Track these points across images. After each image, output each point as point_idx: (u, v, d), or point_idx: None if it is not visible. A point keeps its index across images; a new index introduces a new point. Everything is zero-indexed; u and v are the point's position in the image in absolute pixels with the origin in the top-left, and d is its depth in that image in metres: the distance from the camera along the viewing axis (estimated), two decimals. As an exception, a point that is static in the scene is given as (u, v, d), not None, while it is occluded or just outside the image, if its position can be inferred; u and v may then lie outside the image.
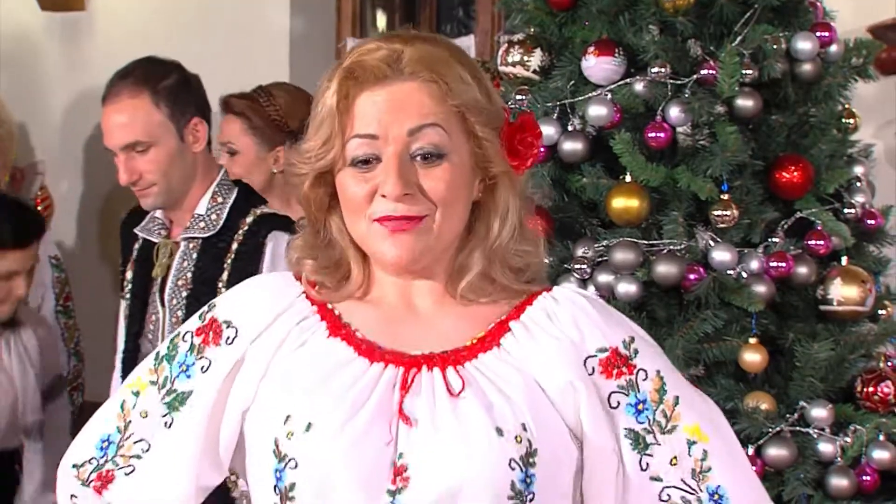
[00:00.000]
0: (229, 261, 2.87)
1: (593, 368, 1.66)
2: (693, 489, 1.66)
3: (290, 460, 1.59)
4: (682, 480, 1.66)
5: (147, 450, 1.70)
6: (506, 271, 1.69)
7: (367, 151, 1.63)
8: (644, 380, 1.67)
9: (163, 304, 2.91)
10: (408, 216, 1.62)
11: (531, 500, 1.60)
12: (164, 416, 1.69)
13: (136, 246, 3.03)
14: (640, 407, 1.66)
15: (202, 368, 1.68)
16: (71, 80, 4.59)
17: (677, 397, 1.68)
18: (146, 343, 2.92)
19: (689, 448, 1.67)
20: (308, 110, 1.72)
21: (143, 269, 2.98)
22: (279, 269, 2.63)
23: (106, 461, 1.71)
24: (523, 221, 1.70)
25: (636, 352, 1.68)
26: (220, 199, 2.95)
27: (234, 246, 2.88)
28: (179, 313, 2.86)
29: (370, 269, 1.71)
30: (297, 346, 1.66)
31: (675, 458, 1.66)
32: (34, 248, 3.44)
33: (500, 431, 1.59)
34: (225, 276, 2.84)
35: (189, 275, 2.89)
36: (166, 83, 2.92)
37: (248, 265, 2.82)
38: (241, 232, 2.89)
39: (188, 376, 1.69)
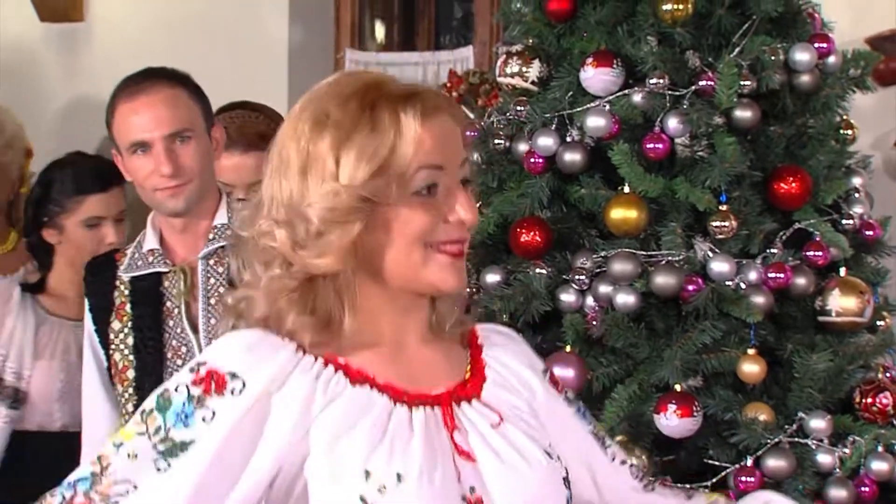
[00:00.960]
0: None
1: (549, 381, 1.86)
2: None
3: None
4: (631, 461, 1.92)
5: (132, 491, 1.60)
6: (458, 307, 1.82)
7: (434, 181, 1.68)
8: (568, 392, 1.89)
9: (195, 331, 2.74)
10: (467, 238, 1.72)
11: None
12: (157, 461, 1.61)
13: (120, 292, 2.82)
14: (583, 413, 1.89)
15: (203, 419, 1.62)
16: (70, 91, 4.59)
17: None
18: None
19: (609, 440, 1.92)
20: None
21: (148, 309, 2.79)
22: None
23: (74, 496, 1.61)
24: None
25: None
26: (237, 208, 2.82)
27: None
28: (221, 332, 2.77)
29: (362, 311, 1.71)
30: (328, 401, 1.66)
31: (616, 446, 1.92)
32: (117, 193, 3.40)
33: (548, 454, 1.72)
34: None
35: (222, 289, 2.74)
36: (194, 85, 2.84)
37: None
38: None
39: (186, 426, 1.62)
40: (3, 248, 3.64)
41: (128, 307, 2.81)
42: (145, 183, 2.76)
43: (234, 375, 1.64)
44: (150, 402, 1.66)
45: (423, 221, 1.66)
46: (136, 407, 2.61)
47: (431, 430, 1.67)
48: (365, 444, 1.63)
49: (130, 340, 2.79)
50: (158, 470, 1.61)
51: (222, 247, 2.77)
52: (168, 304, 2.77)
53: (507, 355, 1.82)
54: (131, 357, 2.78)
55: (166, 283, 2.79)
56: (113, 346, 2.81)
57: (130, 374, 2.78)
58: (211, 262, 2.78)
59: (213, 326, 2.72)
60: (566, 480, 1.73)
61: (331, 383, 1.66)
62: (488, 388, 1.76)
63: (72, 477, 1.64)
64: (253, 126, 3.27)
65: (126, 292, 2.82)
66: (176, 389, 1.65)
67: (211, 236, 2.78)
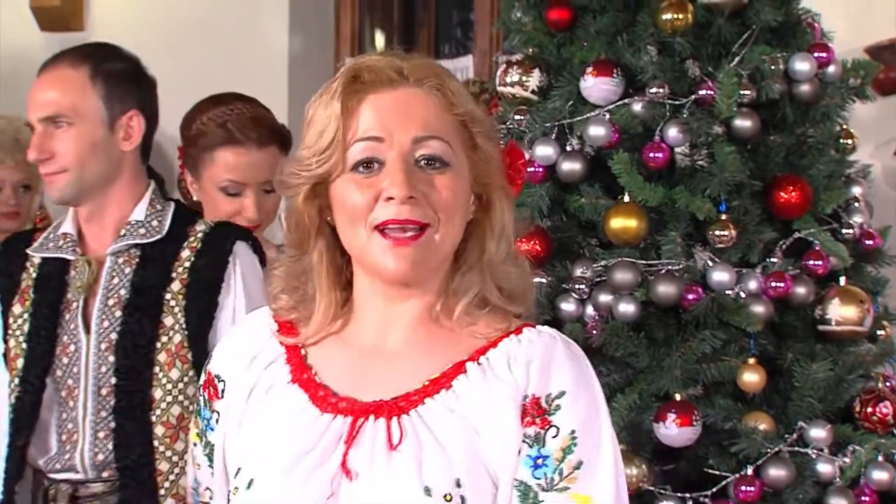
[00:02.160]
0: (180, 269, 2.51)
1: (521, 412, 1.62)
2: None
3: None
4: None
5: (213, 496, 1.78)
6: (498, 292, 1.68)
7: (371, 155, 1.63)
8: (554, 437, 1.61)
9: (87, 331, 2.50)
10: (412, 220, 1.61)
11: None
12: (210, 465, 1.76)
13: (28, 274, 2.59)
14: (538, 462, 1.61)
15: (217, 420, 1.74)
16: (70, 100, 4.60)
17: (581, 462, 1.61)
18: (54, 382, 2.52)
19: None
20: None
21: (48, 295, 2.55)
22: (248, 282, 2.49)
23: None
24: (513, 244, 1.71)
25: (557, 408, 1.62)
26: (158, 207, 2.57)
27: (186, 253, 2.52)
28: (113, 336, 2.49)
29: (349, 298, 1.70)
30: (264, 391, 1.69)
31: None
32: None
33: (427, 491, 1.58)
34: (176, 286, 2.49)
35: (123, 291, 2.50)
36: (110, 66, 2.57)
37: (210, 275, 2.50)
38: (193, 238, 2.53)
39: (212, 429, 1.75)
40: None
41: (31, 291, 2.59)
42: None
43: (219, 378, 1.74)
44: (198, 399, 1.79)
45: (356, 198, 1.62)
46: (19, 399, 2.49)
47: (326, 440, 1.61)
48: (251, 442, 1.66)
49: (27, 327, 2.57)
50: (212, 475, 1.76)
51: (135, 245, 2.54)
52: (69, 295, 2.55)
53: (500, 373, 1.64)
54: (24, 345, 2.56)
55: (73, 273, 2.56)
56: (10, 332, 2.61)
57: (19, 363, 2.56)
58: (120, 259, 2.54)
59: (105, 329, 2.50)
60: None
61: (274, 374, 1.69)
62: (433, 403, 1.62)
63: (186, 482, 1.89)
64: (266, 120, 3.03)
65: (33, 275, 2.60)
66: (200, 391, 1.77)
67: (122, 232, 2.54)
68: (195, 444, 1.78)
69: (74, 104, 2.53)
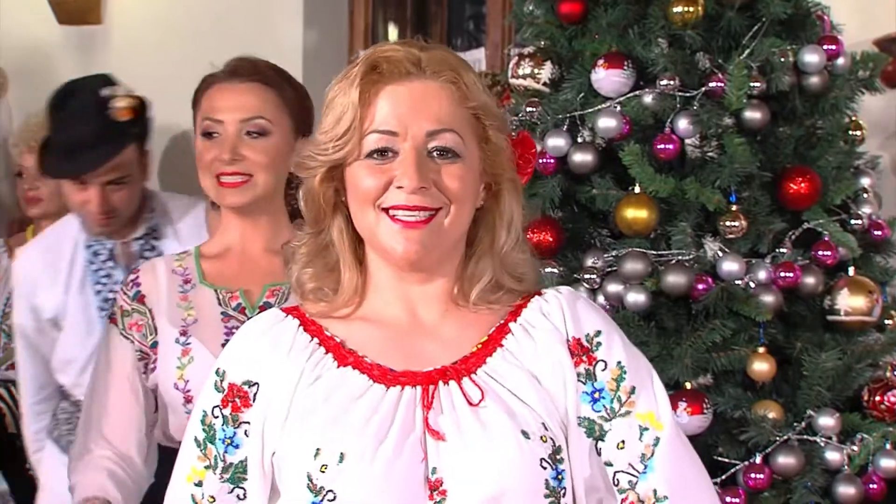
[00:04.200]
0: None
1: (570, 353, 1.73)
2: (638, 471, 1.71)
3: (327, 492, 1.64)
4: (629, 464, 1.71)
5: None
6: (510, 278, 1.77)
7: (386, 145, 1.70)
8: (603, 370, 1.73)
9: None
10: (422, 206, 1.68)
11: (564, 496, 1.67)
12: (232, 491, 1.73)
13: None
14: (595, 395, 1.72)
15: (246, 433, 1.72)
16: (86, 93, 4.62)
17: (634, 387, 1.73)
18: None
19: (641, 434, 1.72)
20: None
21: None
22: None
23: None
24: (522, 232, 1.79)
25: (598, 344, 1.74)
26: None
27: None
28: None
29: (366, 278, 1.76)
30: (311, 381, 1.71)
31: (623, 441, 1.71)
32: None
33: (526, 434, 1.66)
34: None
35: None
36: None
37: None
38: None
39: (236, 447, 1.72)
40: None
41: None
42: None
43: (249, 383, 1.73)
44: (198, 429, 1.75)
45: (367, 183, 1.70)
46: None
47: (403, 410, 1.66)
48: (323, 422, 1.66)
49: None
50: (240, 498, 1.73)
51: None
52: None
53: (540, 325, 1.74)
54: None
55: None
56: None
57: None
58: None
59: None
60: (551, 459, 1.66)
61: (318, 365, 1.71)
62: (493, 361, 1.71)
63: None
64: (247, 58, 2.69)
65: None
66: (213, 414, 1.74)
67: None
68: (199, 484, 1.74)
69: None
